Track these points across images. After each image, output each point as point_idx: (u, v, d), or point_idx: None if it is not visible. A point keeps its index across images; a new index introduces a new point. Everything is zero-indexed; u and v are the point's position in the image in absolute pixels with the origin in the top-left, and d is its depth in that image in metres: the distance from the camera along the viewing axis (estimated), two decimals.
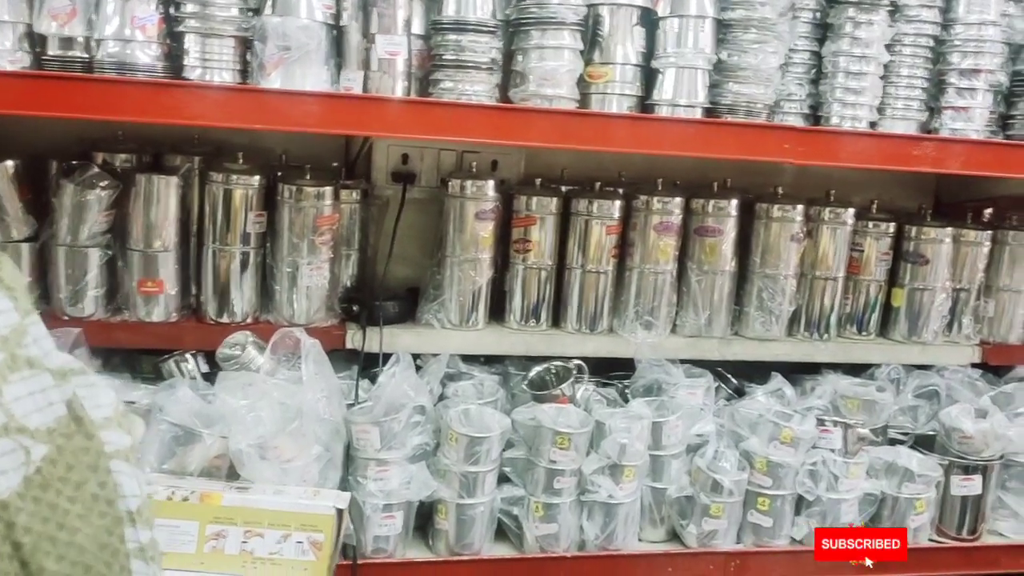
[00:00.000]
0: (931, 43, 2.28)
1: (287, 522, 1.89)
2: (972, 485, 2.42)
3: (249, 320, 2.33)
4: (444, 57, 2.05)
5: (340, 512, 1.92)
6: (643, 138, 2.07)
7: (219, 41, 2.00)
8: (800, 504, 2.36)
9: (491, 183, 2.40)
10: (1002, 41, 2.28)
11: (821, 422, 2.38)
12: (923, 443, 2.51)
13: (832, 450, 2.36)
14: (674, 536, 2.36)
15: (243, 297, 2.32)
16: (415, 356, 2.36)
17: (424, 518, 2.23)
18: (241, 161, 2.30)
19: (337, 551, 1.95)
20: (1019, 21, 2.30)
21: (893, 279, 2.70)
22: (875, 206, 2.69)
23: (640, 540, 2.33)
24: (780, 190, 2.58)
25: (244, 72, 2.03)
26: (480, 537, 2.20)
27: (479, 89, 2.04)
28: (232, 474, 1.99)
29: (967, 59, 2.26)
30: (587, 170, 2.60)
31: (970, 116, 2.27)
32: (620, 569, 2.27)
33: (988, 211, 2.80)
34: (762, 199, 2.55)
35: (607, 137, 2.06)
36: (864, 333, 2.71)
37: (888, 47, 2.25)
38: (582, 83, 2.16)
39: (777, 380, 2.51)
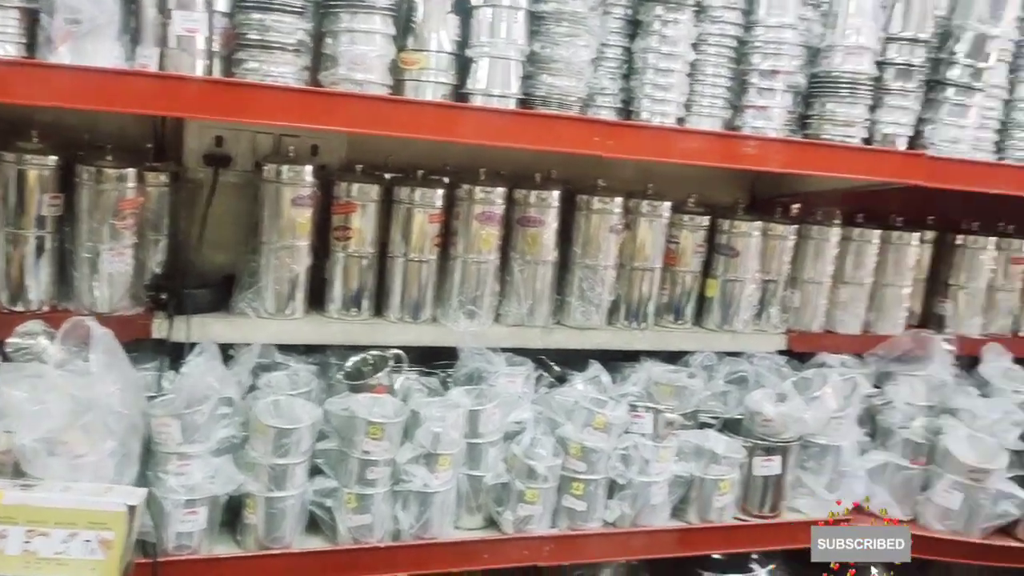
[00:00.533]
0: (734, 44, 2.38)
1: (74, 520, 1.80)
2: (772, 465, 2.55)
3: (46, 308, 2.20)
4: (248, 37, 1.99)
5: (132, 509, 1.84)
6: (455, 127, 2.07)
7: (2, 12, 1.88)
8: (613, 488, 2.42)
9: (309, 168, 2.34)
10: (800, 44, 2.41)
11: (634, 408, 2.45)
12: (731, 427, 2.63)
13: (643, 435, 2.44)
14: (492, 523, 2.37)
15: (38, 284, 2.19)
16: (231, 347, 2.30)
17: (234, 513, 2.17)
18: (36, 140, 2.15)
19: (130, 549, 1.87)
20: (817, 25, 2.43)
21: (707, 270, 2.81)
22: (692, 200, 2.79)
23: (457, 528, 2.34)
24: (601, 182, 2.63)
25: (31, 46, 1.91)
26: (291, 530, 2.15)
27: (285, 71, 1.99)
28: (20, 471, 1.88)
29: (767, 60, 2.37)
30: (413, 158, 2.58)
31: (769, 115, 2.38)
32: (435, 557, 2.27)
33: (796, 207, 2.95)
34: (583, 191, 2.60)
35: (418, 124, 2.04)
36: (680, 322, 2.81)
37: (694, 46, 2.33)
38: (396, 70, 2.14)
39: (595, 368, 2.57)
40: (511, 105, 2.17)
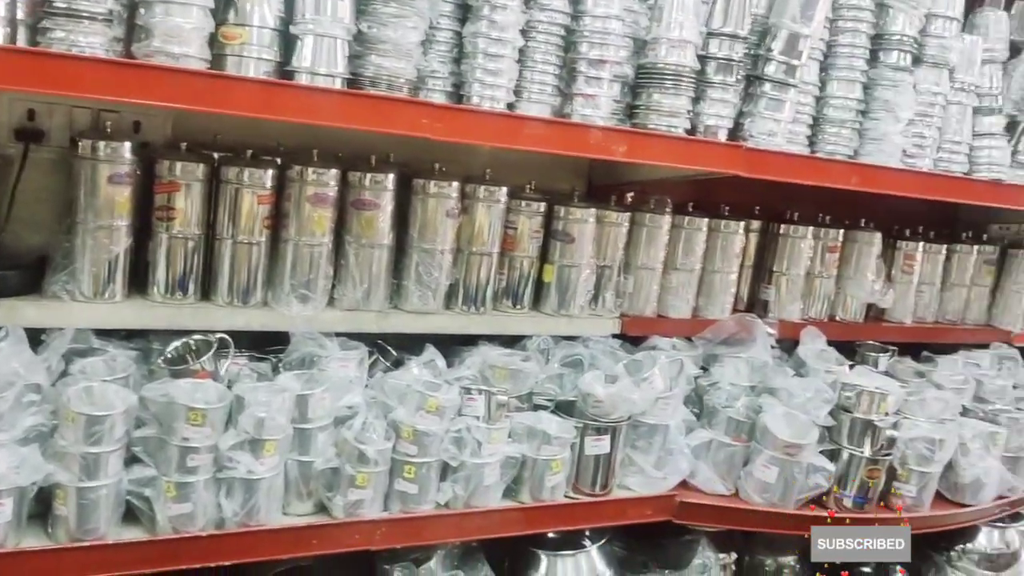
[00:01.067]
0: (563, 32, 2.43)
1: None
2: (602, 445, 2.63)
3: None
4: (55, 5, 1.88)
5: None
6: (277, 105, 2.03)
7: None
8: (446, 470, 2.44)
9: (127, 145, 2.24)
10: (627, 35, 2.48)
11: (468, 391, 2.48)
12: (564, 408, 2.69)
13: (476, 417, 2.46)
14: (323, 509, 2.35)
15: None
16: (42, 331, 2.18)
17: (46, 505, 2.06)
18: None
19: None
20: (643, 18, 2.51)
21: (544, 256, 2.86)
22: (531, 186, 2.83)
23: (286, 514, 2.30)
24: (439, 166, 2.63)
25: None
26: (105, 521, 2.06)
27: (94, 41, 1.89)
28: None
29: (594, 50, 2.43)
30: (246, 138, 2.50)
31: (597, 103, 2.45)
32: (262, 545, 2.23)
33: (630, 195, 3.05)
34: (419, 174, 2.60)
35: (237, 101, 1.99)
36: (518, 306, 2.85)
37: (524, 33, 2.37)
38: (217, 45, 2.08)
39: (430, 351, 2.58)
40: (337, 85, 2.14)
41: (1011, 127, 3.16)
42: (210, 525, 2.16)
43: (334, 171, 2.45)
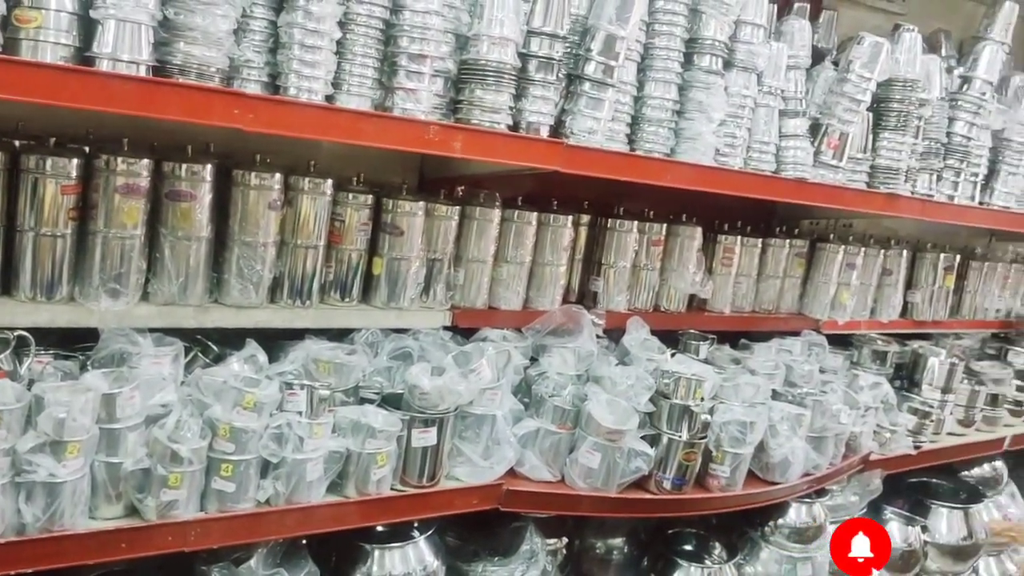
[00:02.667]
0: (382, 25, 2.43)
1: None
2: (429, 437, 2.65)
3: None
4: None
5: None
6: (73, 92, 1.93)
7: None
8: (267, 467, 2.40)
9: None
10: (448, 31, 2.50)
11: (289, 386, 2.45)
12: (392, 401, 2.70)
13: (298, 412, 2.44)
14: (135, 511, 2.27)
15: None
16: None
17: None
18: None
19: None
20: (465, 15, 2.54)
21: (374, 249, 2.85)
22: (359, 179, 2.82)
23: (93, 518, 2.21)
24: (260, 157, 2.58)
25: None
26: None
27: None
28: None
29: (415, 44, 2.44)
30: (55, 126, 2.37)
31: (418, 98, 2.46)
32: (65, 550, 2.13)
33: (460, 188, 3.08)
34: (240, 166, 2.54)
35: (30, 87, 1.88)
36: (347, 300, 2.83)
37: (342, 24, 2.35)
38: (12, 28, 1.96)
39: (251, 347, 2.53)
40: (141, 72, 2.07)
41: (814, 129, 3.38)
42: (9, 532, 2.05)
43: (146, 161, 2.36)
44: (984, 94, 3.76)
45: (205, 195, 2.45)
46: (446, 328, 3.01)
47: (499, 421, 2.82)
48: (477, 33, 2.54)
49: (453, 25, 2.52)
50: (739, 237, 3.72)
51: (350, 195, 2.75)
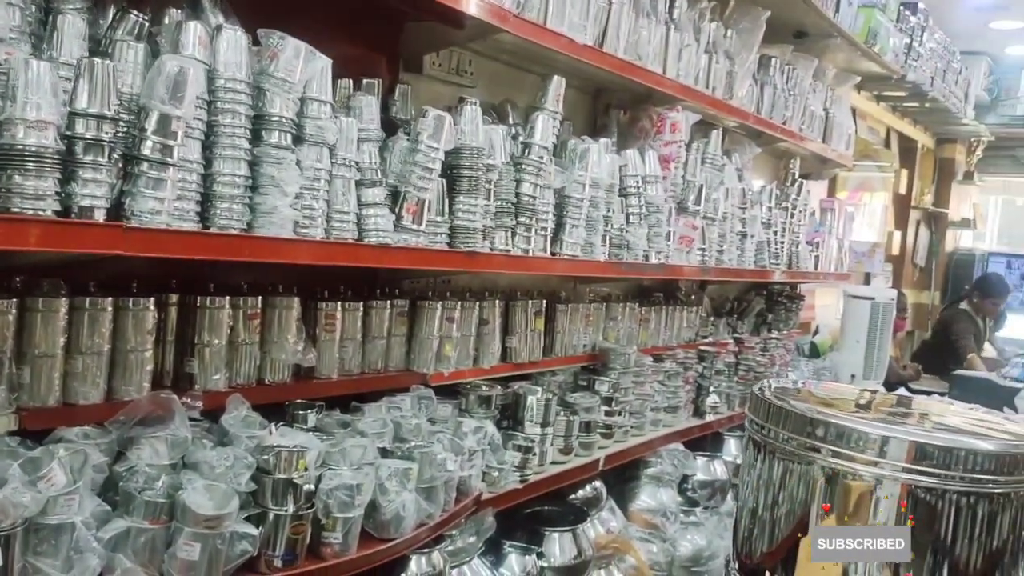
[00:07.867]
0: None
1: None
2: None
3: None
4: None
5: None
6: None
7: None
8: None
9: None
10: None
11: None
12: None
13: None
14: None
15: None
16: None
17: None
18: None
19: None
20: None
21: None
22: None
23: None
24: None
25: None
26: None
27: None
28: None
29: None
30: None
31: None
32: None
33: (18, 279, 2.83)
34: None
35: None
36: None
37: None
38: None
39: None
40: None
41: (395, 196, 3.58)
42: None
43: None
44: (542, 158, 4.23)
45: None
46: (12, 434, 2.73)
47: (79, 528, 2.59)
48: (10, 117, 2.37)
49: None
50: (339, 303, 3.81)
51: None
